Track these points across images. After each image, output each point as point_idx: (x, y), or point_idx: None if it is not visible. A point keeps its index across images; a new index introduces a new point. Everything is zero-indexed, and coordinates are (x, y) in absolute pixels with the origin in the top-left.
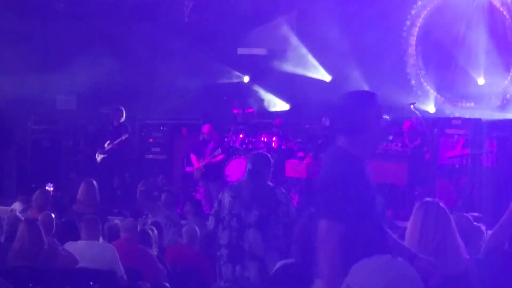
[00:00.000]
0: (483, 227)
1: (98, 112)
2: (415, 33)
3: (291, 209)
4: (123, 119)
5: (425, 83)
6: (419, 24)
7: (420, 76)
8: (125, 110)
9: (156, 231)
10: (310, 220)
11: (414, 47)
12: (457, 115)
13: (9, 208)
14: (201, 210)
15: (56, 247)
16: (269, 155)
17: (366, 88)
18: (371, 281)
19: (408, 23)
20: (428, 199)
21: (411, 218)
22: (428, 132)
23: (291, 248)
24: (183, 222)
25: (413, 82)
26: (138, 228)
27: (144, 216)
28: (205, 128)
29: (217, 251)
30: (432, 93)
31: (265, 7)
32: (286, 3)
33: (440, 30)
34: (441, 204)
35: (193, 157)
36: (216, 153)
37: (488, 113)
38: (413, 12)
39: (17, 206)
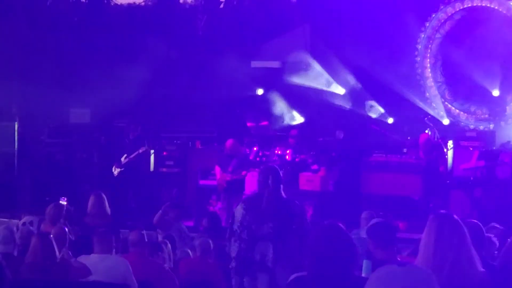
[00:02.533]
0: (495, 239)
1: (111, 125)
2: (430, 46)
3: (305, 221)
4: (139, 132)
5: (439, 95)
6: (433, 37)
7: (435, 88)
8: (140, 123)
9: (169, 245)
10: (323, 232)
11: (428, 59)
12: (471, 127)
13: (21, 222)
14: (218, 224)
15: (69, 260)
16: (277, 167)
17: (379, 99)
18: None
19: (422, 35)
20: (442, 211)
21: (425, 230)
22: (442, 144)
23: (304, 261)
24: (193, 235)
25: (428, 94)
26: (146, 239)
27: (157, 230)
28: (228, 143)
29: (228, 264)
30: (447, 105)
31: (279, 20)
32: (299, 16)
33: (454, 42)
34: (455, 216)
35: (217, 169)
36: (239, 171)
37: (503, 125)
38: (427, 24)
39: (27, 219)
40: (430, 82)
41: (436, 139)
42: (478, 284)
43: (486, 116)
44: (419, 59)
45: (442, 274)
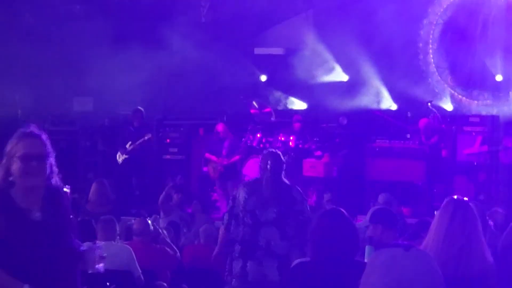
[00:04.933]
0: (491, 223)
1: (115, 113)
2: (432, 31)
3: (305, 207)
4: (143, 120)
5: (442, 81)
6: (435, 22)
7: (437, 73)
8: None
9: (173, 231)
10: (326, 218)
11: (431, 45)
12: (474, 112)
13: None
14: (208, 209)
15: None
16: (278, 152)
17: (383, 85)
18: (388, 270)
19: (425, 21)
20: (456, 196)
21: (438, 214)
22: (445, 129)
23: (306, 247)
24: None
25: (430, 79)
26: (151, 227)
27: (159, 216)
28: (219, 127)
29: (228, 246)
30: (450, 90)
31: (282, 6)
32: (302, 2)
33: (457, 27)
34: (470, 203)
35: (212, 157)
36: (233, 155)
37: (506, 110)
38: (429, 10)
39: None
40: (432, 67)
41: (438, 124)
42: (484, 273)
43: (489, 101)
44: (421, 44)
45: (449, 260)
